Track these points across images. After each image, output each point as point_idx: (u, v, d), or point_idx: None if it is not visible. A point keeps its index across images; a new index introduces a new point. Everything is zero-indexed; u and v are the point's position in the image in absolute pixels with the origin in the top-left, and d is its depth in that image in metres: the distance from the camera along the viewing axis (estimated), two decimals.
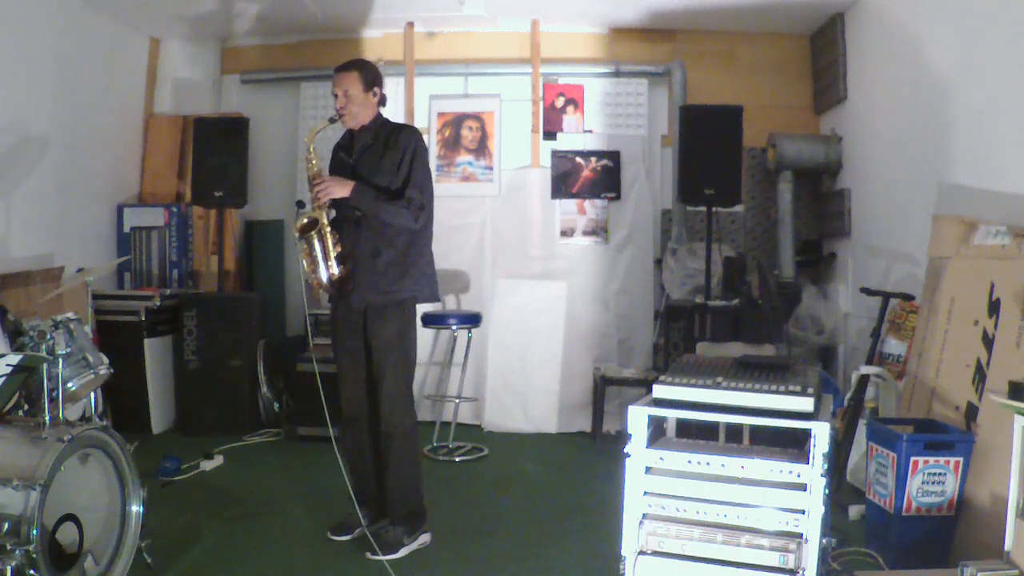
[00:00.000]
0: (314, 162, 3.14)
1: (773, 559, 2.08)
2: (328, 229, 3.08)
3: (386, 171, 3.09)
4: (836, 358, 4.96)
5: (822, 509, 2.06)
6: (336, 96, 3.13)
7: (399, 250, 3.08)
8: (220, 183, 4.95)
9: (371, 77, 3.16)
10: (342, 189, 3.04)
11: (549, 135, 5.40)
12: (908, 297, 3.83)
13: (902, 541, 2.85)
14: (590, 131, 5.39)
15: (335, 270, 3.09)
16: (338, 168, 3.22)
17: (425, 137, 5.35)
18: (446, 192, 5.29)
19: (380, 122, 3.20)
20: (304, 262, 3.12)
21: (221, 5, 5.08)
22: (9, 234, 4.22)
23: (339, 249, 3.10)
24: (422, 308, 3.48)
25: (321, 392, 3.12)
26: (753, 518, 2.12)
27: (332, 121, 3.14)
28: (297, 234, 3.07)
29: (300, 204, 3.24)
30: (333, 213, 3.16)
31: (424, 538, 3.14)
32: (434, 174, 5.28)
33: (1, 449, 2.34)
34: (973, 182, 3.50)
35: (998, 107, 3.34)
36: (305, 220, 3.06)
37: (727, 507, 2.15)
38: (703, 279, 4.76)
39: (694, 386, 2.21)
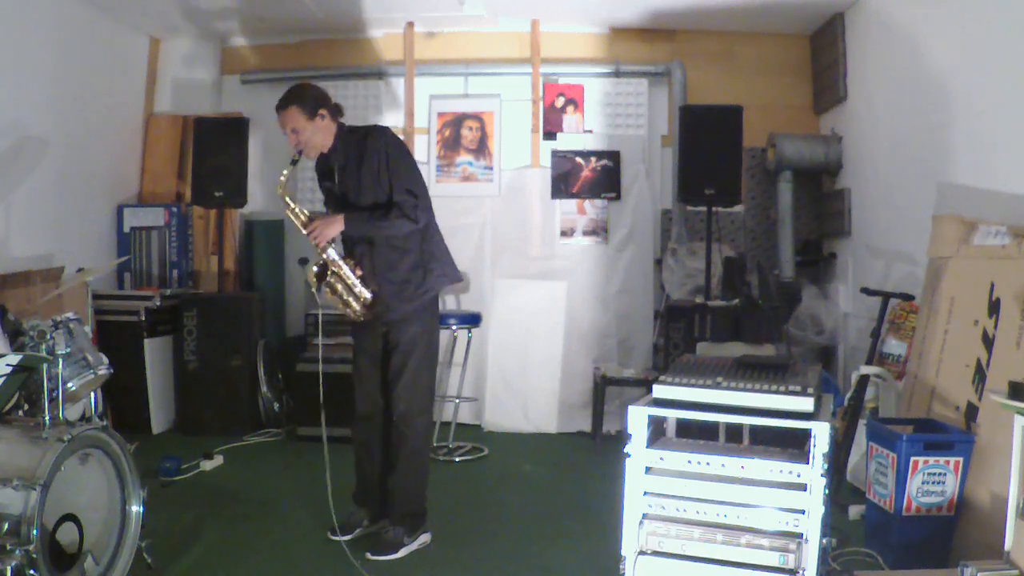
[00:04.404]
0: (298, 211, 3.05)
1: (773, 559, 2.08)
2: (340, 264, 3.03)
3: (368, 187, 3.01)
4: (836, 358, 4.96)
5: (822, 509, 2.06)
6: (288, 135, 3.04)
7: (415, 252, 3.06)
8: (220, 183, 4.95)
9: (310, 104, 3.00)
10: (334, 228, 2.97)
11: (549, 135, 5.39)
12: (908, 297, 3.83)
13: (902, 541, 2.85)
14: (590, 131, 5.39)
15: (366, 295, 3.05)
16: (330, 200, 3.14)
17: (425, 137, 5.44)
18: (446, 192, 5.30)
19: (344, 137, 3.08)
20: (337, 304, 3.07)
21: (221, 5, 5.08)
22: (9, 234, 4.23)
23: (360, 272, 3.05)
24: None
25: (321, 392, 3.11)
26: (753, 518, 2.12)
27: (294, 163, 3.05)
28: (315, 288, 3.03)
29: (303, 261, 3.17)
30: (333, 249, 3.05)
31: (424, 538, 3.14)
32: (434, 174, 5.36)
33: (1, 449, 2.34)
34: (973, 182, 3.50)
35: (998, 107, 3.34)
36: (315, 269, 3.01)
37: (727, 507, 2.14)
38: (703, 279, 4.76)
39: (694, 386, 2.21)
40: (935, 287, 3.36)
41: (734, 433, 2.31)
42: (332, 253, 3.02)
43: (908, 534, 2.85)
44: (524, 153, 5.40)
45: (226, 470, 4.13)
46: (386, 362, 3.12)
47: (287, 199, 3.06)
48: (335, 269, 3.02)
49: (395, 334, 3.08)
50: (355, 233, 3.03)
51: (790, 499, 2.09)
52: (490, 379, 5.07)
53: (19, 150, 4.32)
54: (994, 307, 2.95)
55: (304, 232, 3.01)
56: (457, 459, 4.41)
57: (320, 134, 3.04)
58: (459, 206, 5.28)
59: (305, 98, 3.00)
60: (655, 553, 2.19)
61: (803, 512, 2.07)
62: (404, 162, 3.04)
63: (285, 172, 3.05)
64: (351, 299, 3.04)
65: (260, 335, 5.01)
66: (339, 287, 3.04)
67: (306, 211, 3.07)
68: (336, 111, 3.10)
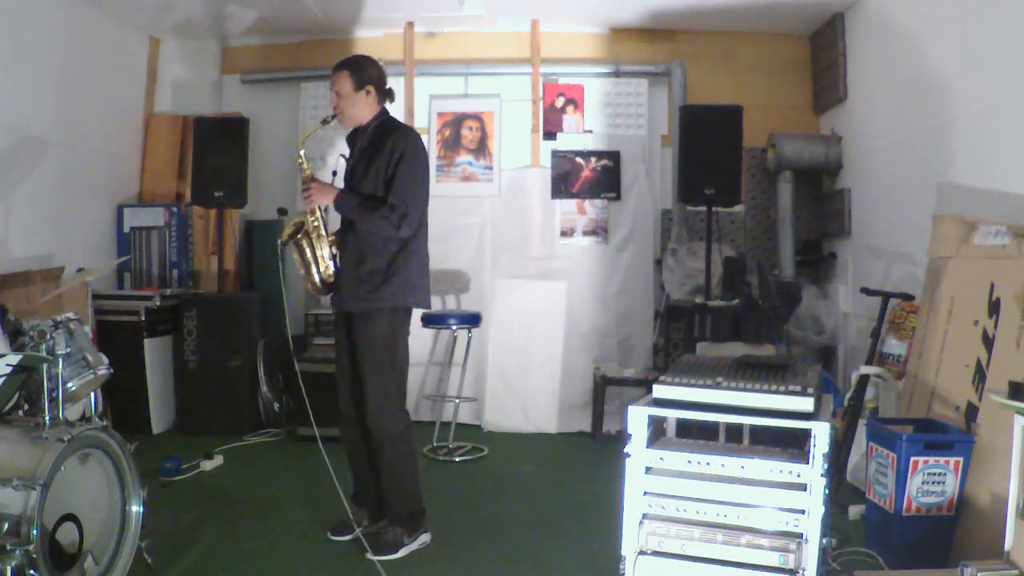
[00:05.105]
0: (305, 166, 3.08)
1: (773, 559, 2.08)
2: (322, 232, 3.06)
3: (370, 181, 3.01)
4: (836, 358, 4.96)
5: (822, 509, 2.06)
6: (332, 96, 3.10)
7: (385, 258, 3.00)
8: (220, 183, 4.96)
9: (363, 75, 3.04)
10: (326, 196, 3.00)
11: (549, 135, 5.40)
12: (908, 297, 3.83)
13: (902, 541, 2.85)
14: (590, 131, 5.39)
15: (331, 271, 3.08)
16: (346, 172, 3.18)
17: (425, 137, 5.38)
18: (446, 192, 5.30)
19: (379, 123, 3.10)
20: (299, 267, 3.11)
21: (221, 5, 5.08)
22: (9, 234, 4.23)
23: (335, 251, 3.09)
24: (419, 310, 3.44)
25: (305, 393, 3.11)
26: (753, 518, 2.12)
27: (324, 123, 3.08)
28: (281, 241, 3.07)
29: (282, 211, 3.22)
30: (318, 217, 3.07)
31: (424, 538, 3.14)
32: (434, 174, 5.35)
33: (1, 449, 2.34)
34: (973, 182, 3.50)
35: (998, 107, 3.35)
36: (291, 227, 3.06)
37: (727, 507, 2.15)
38: (703, 279, 4.76)
39: (694, 386, 2.21)
40: (935, 287, 3.36)
41: (734, 433, 2.32)
42: (319, 218, 3.04)
43: (908, 534, 2.85)
44: (524, 153, 5.40)
45: (226, 470, 4.13)
46: (354, 363, 3.10)
47: (301, 152, 3.09)
48: (312, 234, 3.05)
49: (356, 330, 3.06)
50: (340, 211, 3.05)
51: (790, 499, 2.10)
52: (490, 379, 5.07)
53: (19, 150, 4.32)
54: (994, 307, 2.95)
55: (302, 188, 3.06)
56: (457, 459, 4.41)
57: (359, 107, 3.06)
58: (459, 206, 5.29)
59: (359, 69, 3.06)
60: (655, 553, 2.19)
61: (803, 512, 2.08)
62: (411, 173, 3.00)
63: (312, 126, 3.10)
64: (313, 268, 3.08)
65: (260, 335, 5.01)
66: (307, 252, 3.07)
67: (312, 172, 3.11)
68: (386, 95, 3.13)
